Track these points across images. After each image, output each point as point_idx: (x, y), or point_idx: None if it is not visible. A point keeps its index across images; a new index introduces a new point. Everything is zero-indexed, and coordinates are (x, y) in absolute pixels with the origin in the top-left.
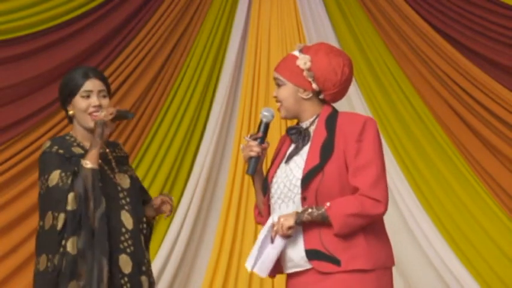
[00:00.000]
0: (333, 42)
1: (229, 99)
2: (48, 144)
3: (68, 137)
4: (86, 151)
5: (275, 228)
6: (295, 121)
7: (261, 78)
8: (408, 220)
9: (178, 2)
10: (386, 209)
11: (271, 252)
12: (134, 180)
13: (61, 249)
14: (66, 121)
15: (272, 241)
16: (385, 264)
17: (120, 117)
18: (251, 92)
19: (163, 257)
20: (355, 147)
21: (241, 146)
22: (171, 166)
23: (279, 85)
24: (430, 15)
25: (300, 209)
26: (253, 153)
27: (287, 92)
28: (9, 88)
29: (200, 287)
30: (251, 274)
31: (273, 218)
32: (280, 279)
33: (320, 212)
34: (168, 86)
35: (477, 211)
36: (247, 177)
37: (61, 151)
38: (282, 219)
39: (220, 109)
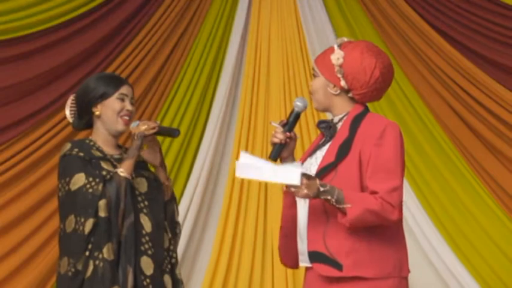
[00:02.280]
0: (333, 42)
1: (229, 99)
2: (68, 146)
3: (87, 141)
4: (105, 155)
5: (293, 189)
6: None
7: (261, 78)
8: (408, 220)
9: (178, 2)
10: (400, 217)
11: (263, 166)
12: (151, 181)
13: (87, 254)
14: (66, 121)
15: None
16: (390, 274)
17: (163, 133)
18: (251, 92)
19: None
20: (374, 151)
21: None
22: (171, 166)
23: (314, 75)
24: (430, 15)
25: (306, 204)
26: (276, 140)
27: (318, 84)
28: (9, 88)
29: (200, 287)
30: (251, 274)
31: (300, 173)
32: (280, 279)
33: (340, 192)
34: (168, 86)
35: (477, 211)
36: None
37: (81, 154)
38: (303, 188)
39: (220, 109)
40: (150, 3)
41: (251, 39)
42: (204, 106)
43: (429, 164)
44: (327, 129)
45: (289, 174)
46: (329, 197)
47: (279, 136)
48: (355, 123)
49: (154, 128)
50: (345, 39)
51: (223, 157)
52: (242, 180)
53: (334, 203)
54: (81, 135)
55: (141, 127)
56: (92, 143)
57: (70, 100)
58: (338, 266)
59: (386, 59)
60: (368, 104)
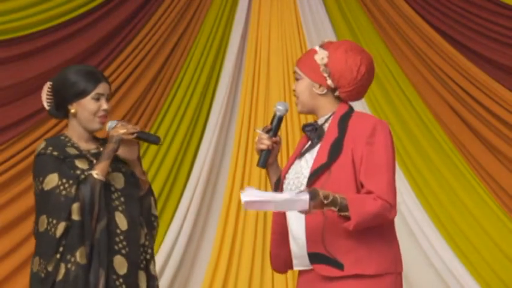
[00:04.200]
0: None
1: (229, 99)
2: (42, 145)
3: (62, 137)
4: (81, 152)
5: (301, 212)
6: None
7: (261, 78)
8: (408, 220)
9: (178, 2)
10: (396, 215)
11: (270, 199)
12: (128, 176)
13: (57, 256)
14: (66, 121)
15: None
16: (388, 270)
17: (143, 139)
18: (251, 92)
19: (163, 256)
20: (366, 149)
21: (256, 138)
22: (171, 166)
23: (297, 79)
24: (430, 15)
25: None
26: (263, 146)
27: (303, 86)
28: (9, 88)
29: (200, 287)
30: (251, 274)
31: (308, 200)
32: (280, 279)
33: (342, 201)
34: (168, 86)
35: (477, 211)
36: (247, 177)
37: (55, 153)
38: (311, 210)
39: (220, 109)
40: (150, 3)
41: (251, 39)
42: (204, 106)
43: (429, 164)
44: (313, 131)
45: (297, 202)
46: (333, 208)
47: (266, 142)
48: (343, 122)
49: (133, 134)
50: (325, 40)
51: (223, 157)
52: (242, 180)
53: (338, 212)
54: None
55: (119, 130)
56: (67, 139)
57: (46, 87)
58: (339, 265)
59: (369, 56)
60: (368, 103)
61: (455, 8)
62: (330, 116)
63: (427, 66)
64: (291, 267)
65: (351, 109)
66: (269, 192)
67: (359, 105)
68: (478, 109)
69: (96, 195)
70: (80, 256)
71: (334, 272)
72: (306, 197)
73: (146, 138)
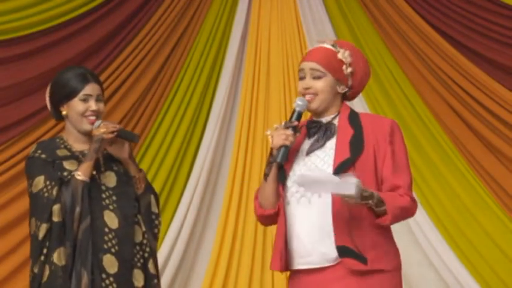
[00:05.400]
0: None
1: (229, 99)
2: (33, 148)
3: (58, 140)
4: (73, 153)
5: (346, 199)
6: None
7: (261, 78)
8: (408, 220)
9: (178, 2)
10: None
11: (325, 180)
12: (121, 175)
13: (42, 258)
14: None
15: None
16: (397, 266)
17: (123, 137)
18: (251, 92)
19: (163, 257)
20: (389, 149)
21: (268, 132)
22: (171, 166)
23: (318, 77)
24: (430, 15)
25: (325, 204)
26: (287, 143)
27: (327, 83)
28: (9, 88)
29: (200, 287)
30: (251, 274)
31: (356, 184)
32: (280, 279)
33: (378, 196)
34: (168, 86)
35: (477, 211)
36: (247, 177)
37: (43, 156)
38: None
39: (220, 109)
40: (150, 3)
41: (251, 39)
42: (204, 106)
43: (429, 164)
44: (317, 128)
45: (347, 185)
46: (370, 201)
47: (291, 139)
48: (354, 120)
49: (113, 132)
50: (327, 39)
51: (223, 157)
52: (242, 180)
53: (374, 206)
54: None
55: (100, 129)
56: (61, 141)
57: (48, 90)
58: (363, 260)
59: None
60: (368, 103)
61: (455, 8)
62: (336, 115)
63: (427, 66)
64: (288, 268)
65: (353, 110)
66: (320, 171)
67: (359, 105)
68: (478, 109)
69: (77, 196)
70: (57, 257)
71: (359, 266)
72: (354, 180)
73: (126, 136)
